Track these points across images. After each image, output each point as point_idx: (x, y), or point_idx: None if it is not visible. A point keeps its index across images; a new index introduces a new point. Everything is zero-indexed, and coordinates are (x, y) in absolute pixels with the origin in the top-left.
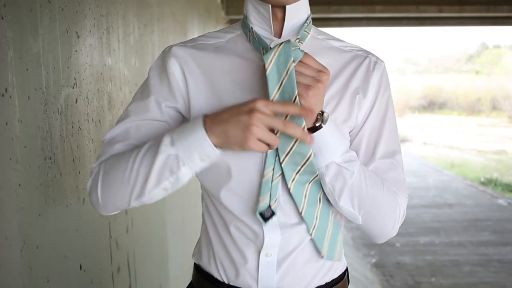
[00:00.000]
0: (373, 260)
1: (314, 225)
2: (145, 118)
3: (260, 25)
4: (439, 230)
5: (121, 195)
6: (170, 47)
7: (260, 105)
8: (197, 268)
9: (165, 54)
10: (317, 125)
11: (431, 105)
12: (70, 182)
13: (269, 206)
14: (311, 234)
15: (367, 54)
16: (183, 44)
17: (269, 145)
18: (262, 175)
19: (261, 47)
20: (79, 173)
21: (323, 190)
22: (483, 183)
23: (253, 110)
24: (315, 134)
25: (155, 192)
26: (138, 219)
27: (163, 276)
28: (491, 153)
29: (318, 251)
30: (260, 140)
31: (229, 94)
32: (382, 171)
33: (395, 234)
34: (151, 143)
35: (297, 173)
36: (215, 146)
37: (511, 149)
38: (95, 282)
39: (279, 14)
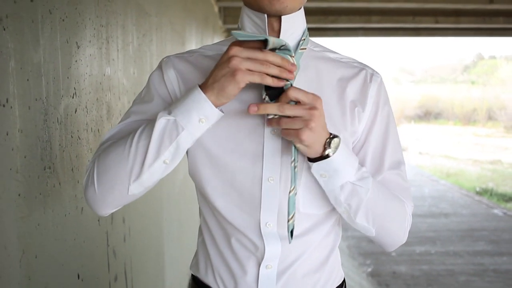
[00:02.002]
0: (369, 269)
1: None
2: (145, 118)
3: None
4: (435, 239)
5: (119, 177)
6: (168, 57)
7: (235, 50)
8: (195, 280)
9: (164, 63)
10: (325, 154)
11: (427, 115)
12: (69, 191)
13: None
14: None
15: (363, 66)
16: (181, 55)
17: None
18: (261, 189)
19: None
20: (78, 182)
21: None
22: (478, 193)
23: (230, 58)
24: (327, 160)
25: (155, 167)
26: (135, 228)
27: (159, 284)
28: (486, 163)
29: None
30: (250, 71)
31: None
32: (390, 182)
33: (404, 241)
34: (147, 123)
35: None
36: (215, 100)
37: (507, 159)
38: None
39: (275, 25)
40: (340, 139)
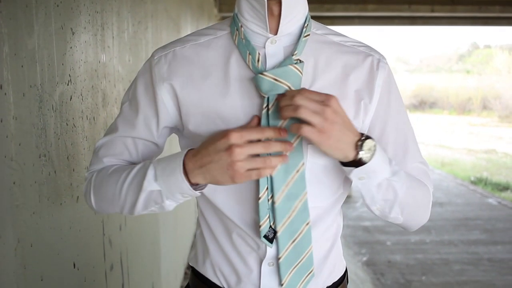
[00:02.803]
0: (364, 259)
1: (287, 249)
2: (131, 135)
3: (254, 22)
4: (430, 228)
5: (113, 208)
6: (159, 57)
7: (235, 138)
8: (195, 272)
9: (151, 64)
10: (358, 158)
11: (422, 104)
12: (64, 179)
13: (270, 226)
14: (279, 258)
15: (369, 51)
16: (172, 49)
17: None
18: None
19: (247, 52)
20: (73, 170)
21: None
22: (473, 182)
23: (230, 147)
24: (367, 165)
25: (144, 213)
26: (131, 217)
27: (155, 273)
28: (481, 153)
29: (279, 277)
30: (248, 169)
31: (218, 95)
32: (414, 170)
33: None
34: (137, 171)
35: (286, 186)
36: (203, 183)
37: (501, 149)
38: (88, 280)
39: (275, 9)
40: (374, 141)
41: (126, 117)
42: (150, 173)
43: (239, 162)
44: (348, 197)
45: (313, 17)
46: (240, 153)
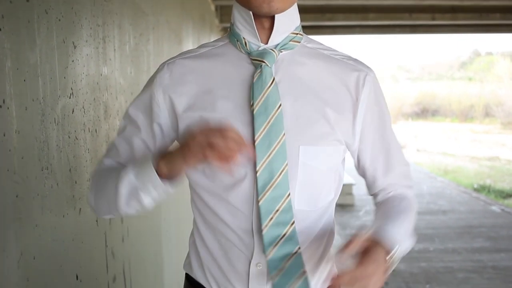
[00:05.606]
0: None
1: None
2: (134, 134)
3: (247, 32)
4: (433, 236)
5: (106, 204)
6: (163, 65)
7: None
8: (188, 278)
9: (157, 70)
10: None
11: (424, 112)
12: (67, 192)
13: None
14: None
15: (356, 64)
16: (175, 58)
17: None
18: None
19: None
20: (76, 183)
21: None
22: (476, 190)
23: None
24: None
25: (129, 211)
26: (133, 228)
27: (158, 285)
28: (484, 160)
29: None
30: (201, 149)
31: (223, 100)
32: (398, 178)
33: None
34: (123, 168)
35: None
36: (165, 171)
37: (504, 156)
38: None
39: (266, 23)
40: (396, 252)
41: (132, 117)
42: (130, 165)
43: (193, 147)
44: (351, 206)
45: (314, 27)
46: (199, 134)
